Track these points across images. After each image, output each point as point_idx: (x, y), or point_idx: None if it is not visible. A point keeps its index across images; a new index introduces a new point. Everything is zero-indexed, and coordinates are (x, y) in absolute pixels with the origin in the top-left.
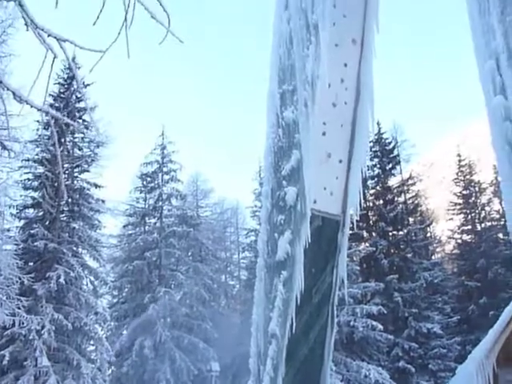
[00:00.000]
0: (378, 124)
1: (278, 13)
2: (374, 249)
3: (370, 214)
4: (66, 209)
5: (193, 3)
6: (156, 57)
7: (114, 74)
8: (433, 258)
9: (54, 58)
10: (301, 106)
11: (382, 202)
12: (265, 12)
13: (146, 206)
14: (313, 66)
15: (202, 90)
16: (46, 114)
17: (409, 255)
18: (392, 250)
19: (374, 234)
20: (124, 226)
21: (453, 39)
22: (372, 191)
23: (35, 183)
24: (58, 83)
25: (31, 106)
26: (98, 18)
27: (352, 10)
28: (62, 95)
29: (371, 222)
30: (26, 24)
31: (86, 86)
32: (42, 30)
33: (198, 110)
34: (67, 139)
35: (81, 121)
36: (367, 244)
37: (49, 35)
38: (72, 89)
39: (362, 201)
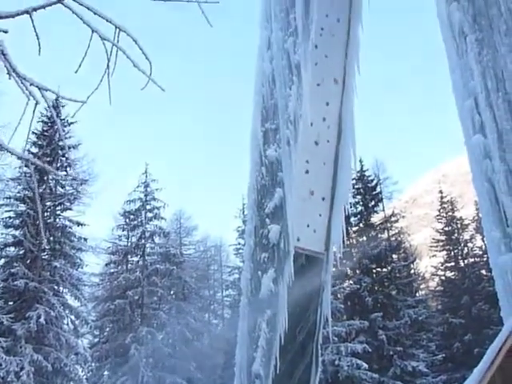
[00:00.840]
0: (361, 161)
1: (260, 53)
2: (358, 286)
3: (353, 251)
4: (47, 247)
5: (178, 43)
6: (142, 94)
7: (98, 111)
8: (417, 295)
9: (36, 105)
10: (284, 144)
11: (365, 238)
12: (249, 50)
13: (129, 243)
14: (295, 105)
15: (186, 127)
16: (27, 161)
17: (393, 292)
18: (376, 288)
19: (357, 271)
20: (106, 265)
21: (433, 78)
22: (355, 228)
23: (17, 221)
24: (42, 121)
25: (11, 154)
26: (79, 66)
27: (333, 51)
28: (45, 133)
29: (355, 259)
30: (8, 73)
31: (69, 125)
32: (24, 78)
33: (182, 148)
34: (50, 177)
35: (64, 159)
36: (351, 281)
37: (31, 84)
38: (55, 127)
39: (345, 238)
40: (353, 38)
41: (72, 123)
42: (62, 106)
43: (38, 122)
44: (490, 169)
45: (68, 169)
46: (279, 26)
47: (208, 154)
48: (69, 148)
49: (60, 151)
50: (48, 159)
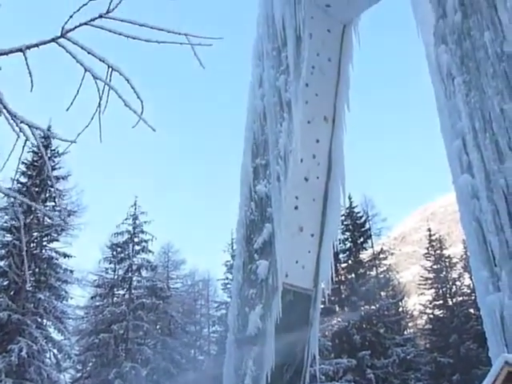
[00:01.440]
0: (350, 198)
1: (252, 90)
2: (346, 324)
3: (342, 287)
4: (32, 278)
5: (171, 81)
6: (133, 130)
7: (89, 141)
8: (405, 333)
9: (26, 141)
10: (273, 180)
11: (353, 275)
12: (240, 89)
13: (115, 276)
14: (286, 141)
15: (176, 160)
16: (14, 198)
17: (381, 330)
18: (364, 325)
19: (346, 308)
20: (91, 298)
21: (421, 117)
22: (344, 265)
23: (2, 252)
24: (32, 151)
25: None
26: (71, 103)
27: (324, 89)
28: (35, 163)
29: (343, 296)
30: None
31: (60, 155)
32: (15, 116)
33: (172, 180)
34: (38, 207)
35: (53, 189)
36: (339, 319)
37: (21, 122)
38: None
39: (334, 275)
40: (343, 77)
41: (63, 153)
42: (53, 138)
43: (29, 152)
44: (478, 208)
45: (56, 200)
46: (271, 64)
47: (198, 188)
48: (58, 179)
49: (49, 181)
50: (37, 189)
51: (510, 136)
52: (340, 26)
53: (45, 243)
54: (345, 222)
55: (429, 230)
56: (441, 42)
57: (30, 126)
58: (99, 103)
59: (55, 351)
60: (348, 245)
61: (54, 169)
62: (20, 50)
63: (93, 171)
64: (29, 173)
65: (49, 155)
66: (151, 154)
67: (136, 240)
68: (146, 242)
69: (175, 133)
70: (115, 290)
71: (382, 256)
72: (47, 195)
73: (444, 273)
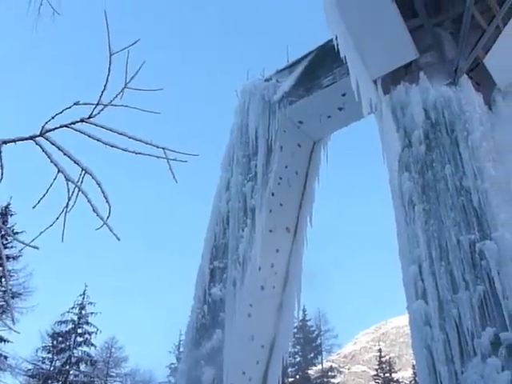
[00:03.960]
0: (304, 311)
1: (218, 193)
2: None
3: None
4: None
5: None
6: (96, 230)
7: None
8: None
9: None
10: (229, 284)
11: None
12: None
13: (52, 368)
14: (246, 247)
15: (133, 254)
16: None
17: None
18: None
19: None
20: None
21: (381, 238)
22: (291, 379)
23: None
24: None
25: None
26: (39, 202)
27: (289, 201)
28: None
29: None
30: None
31: (14, 234)
32: None
33: (123, 274)
34: None
35: (1, 269)
36: None
37: None
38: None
39: None
40: (309, 190)
41: (17, 233)
42: (11, 215)
43: None
44: (430, 336)
45: (3, 280)
46: (240, 170)
47: (148, 284)
48: (8, 258)
49: None
50: None
51: (465, 267)
52: (310, 142)
53: None
54: (296, 335)
55: (379, 351)
56: (404, 169)
57: None
58: (67, 204)
59: None
60: (298, 359)
61: (5, 247)
62: None
63: (48, 253)
64: None
65: (3, 232)
66: (111, 249)
67: (79, 331)
68: (89, 334)
69: (138, 235)
70: (49, 382)
71: (330, 374)
72: None
73: None
